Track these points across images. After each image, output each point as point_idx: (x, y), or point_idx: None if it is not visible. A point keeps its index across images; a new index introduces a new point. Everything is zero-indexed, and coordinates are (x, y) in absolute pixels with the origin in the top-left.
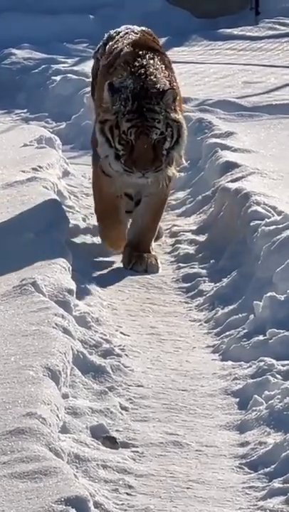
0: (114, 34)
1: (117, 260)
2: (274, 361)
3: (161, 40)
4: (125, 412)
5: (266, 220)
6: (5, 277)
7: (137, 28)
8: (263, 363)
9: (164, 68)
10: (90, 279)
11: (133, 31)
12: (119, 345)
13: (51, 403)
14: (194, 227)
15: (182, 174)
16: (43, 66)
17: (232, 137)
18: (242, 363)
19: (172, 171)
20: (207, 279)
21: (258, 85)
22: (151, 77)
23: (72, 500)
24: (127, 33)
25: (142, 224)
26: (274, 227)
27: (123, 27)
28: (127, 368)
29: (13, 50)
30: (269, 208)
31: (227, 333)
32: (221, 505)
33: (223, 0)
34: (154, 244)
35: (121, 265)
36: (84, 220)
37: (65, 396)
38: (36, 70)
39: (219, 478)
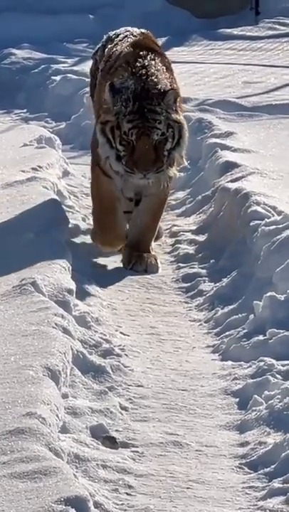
0: (114, 36)
1: (117, 260)
2: (274, 361)
3: (161, 40)
4: (125, 412)
5: (266, 220)
6: (5, 277)
7: (136, 30)
8: (262, 363)
9: (164, 69)
10: (90, 279)
11: (132, 33)
12: (119, 345)
13: (51, 403)
14: (194, 227)
15: (182, 174)
16: (43, 66)
17: (232, 137)
18: (242, 363)
19: (173, 171)
20: (207, 279)
21: (258, 85)
22: (153, 77)
23: (72, 500)
24: (126, 35)
25: (141, 224)
26: (274, 227)
27: (122, 29)
28: (126, 368)
29: (13, 50)
30: (269, 208)
31: (227, 333)
32: (220, 505)
33: (223, 0)
34: (154, 244)
35: (121, 265)
36: (84, 220)
37: (64, 396)
38: (36, 70)
39: (219, 478)
